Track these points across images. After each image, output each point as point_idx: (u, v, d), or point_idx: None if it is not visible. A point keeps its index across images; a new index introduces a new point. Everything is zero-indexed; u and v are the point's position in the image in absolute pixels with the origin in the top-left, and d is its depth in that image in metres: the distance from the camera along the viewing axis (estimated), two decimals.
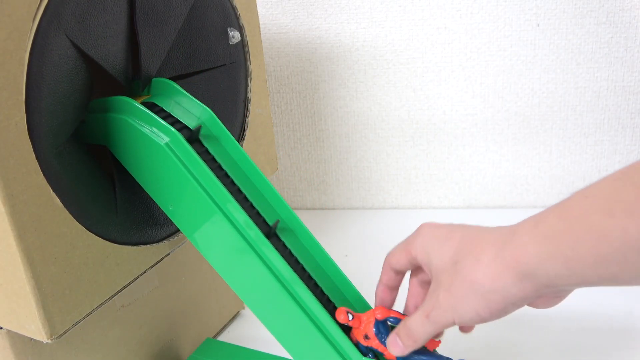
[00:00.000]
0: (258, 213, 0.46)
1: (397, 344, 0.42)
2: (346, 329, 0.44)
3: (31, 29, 0.37)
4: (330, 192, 0.94)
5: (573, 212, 0.35)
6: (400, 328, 0.42)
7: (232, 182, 0.46)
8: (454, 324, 0.40)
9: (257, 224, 0.44)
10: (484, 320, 0.39)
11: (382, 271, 0.46)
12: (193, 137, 0.45)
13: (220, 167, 0.46)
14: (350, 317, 0.42)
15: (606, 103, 0.82)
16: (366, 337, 0.42)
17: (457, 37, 0.82)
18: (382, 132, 0.89)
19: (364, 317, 0.43)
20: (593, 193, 0.35)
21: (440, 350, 0.45)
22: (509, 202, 0.89)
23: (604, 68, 0.80)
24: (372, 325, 0.43)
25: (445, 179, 0.90)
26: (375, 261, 0.78)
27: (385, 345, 0.42)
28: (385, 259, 0.46)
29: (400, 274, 0.46)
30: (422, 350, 0.43)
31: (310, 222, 0.89)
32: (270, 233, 0.45)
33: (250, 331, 0.66)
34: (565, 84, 0.82)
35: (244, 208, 0.44)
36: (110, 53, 0.43)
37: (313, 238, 0.47)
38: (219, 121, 0.47)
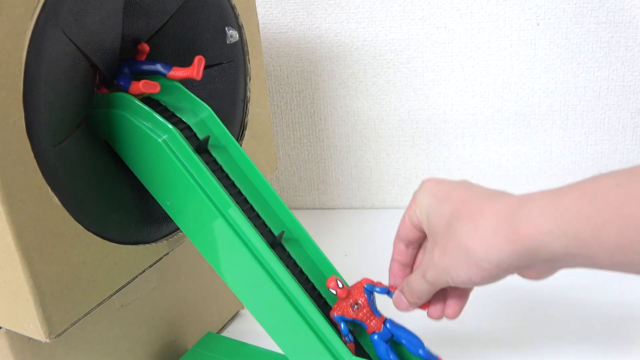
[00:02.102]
0: (264, 223, 0.46)
1: (401, 300, 0.43)
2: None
3: (29, 27, 0.37)
4: (330, 192, 0.94)
5: (603, 198, 0.34)
6: (403, 285, 0.43)
7: (239, 192, 0.46)
8: (448, 284, 0.40)
9: (262, 234, 0.44)
10: (475, 284, 0.40)
11: (393, 247, 0.46)
12: (202, 147, 0.45)
13: (227, 176, 0.46)
14: (340, 284, 0.42)
15: (606, 102, 0.82)
16: (356, 305, 0.42)
17: (457, 37, 0.82)
18: (382, 132, 0.89)
19: (352, 288, 0.43)
20: (625, 182, 0.34)
21: (441, 346, 0.45)
22: None
23: (604, 67, 0.80)
24: (363, 291, 0.43)
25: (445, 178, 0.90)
26: (375, 261, 0.78)
27: (376, 314, 0.42)
28: (397, 233, 0.45)
29: (410, 246, 0.45)
30: (412, 336, 0.43)
31: (310, 222, 0.89)
32: (275, 242, 0.46)
33: (249, 331, 0.66)
34: (565, 84, 0.82)
35: (249, 217, 0.44)
36: (104, 50, 0.43)
37: (318, 249, 0.47)
38: (218, 120, 0.47)
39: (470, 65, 0.83)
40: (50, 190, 0.40)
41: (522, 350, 0.59)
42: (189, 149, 0.43)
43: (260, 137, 0.60)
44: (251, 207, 0.46)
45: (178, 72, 0.45)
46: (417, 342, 0.43)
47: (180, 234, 0.52)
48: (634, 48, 0.78)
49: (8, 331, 0.44)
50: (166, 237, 0.51)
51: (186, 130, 0.46)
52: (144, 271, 0.49)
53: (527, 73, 0.82)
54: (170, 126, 0.43)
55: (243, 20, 0.55)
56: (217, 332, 0.66)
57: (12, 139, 0.37)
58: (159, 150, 0.43)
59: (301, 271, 0.46)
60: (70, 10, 0.40)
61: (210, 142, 0.47)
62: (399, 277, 0.45)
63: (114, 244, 0.45)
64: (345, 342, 0.42)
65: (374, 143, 0.90)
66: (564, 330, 0.62)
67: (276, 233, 0.47)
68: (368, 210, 0.93)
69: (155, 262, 0.50)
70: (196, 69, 0.44)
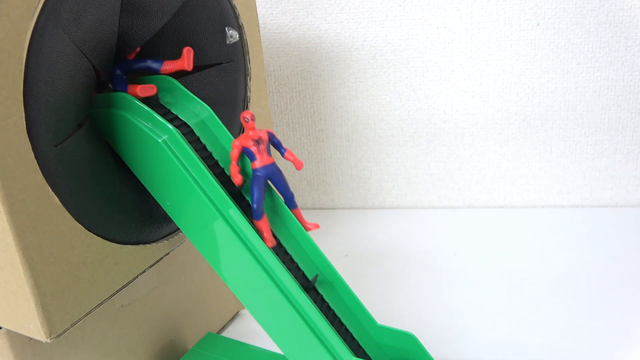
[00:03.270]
0: (249, 204, 0.47)
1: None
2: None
3: (29, 27, 0.37)
4: (330, 192, 0.94)
5: None
6: None
7: (223, 172, 0.47)
8: None
9: (245, 214, 0.44)
10: None
11: None
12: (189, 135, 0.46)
13: (211, 155, 0.47)
14: (250, 118, 0.45)
15: (606, 102, 0.82)
16: (259, 141, 0.45)
17: (457, 37, 0.82)
18: (382, 132, 0.89)
19: (260, 130, 0.46)
20: None
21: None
22: (509, 202, 0.89)
23: (604, 67, 0.80)
24: (267, 134, 0.45)
25: (445, 179, 0.90)
26: (375, 261, 0.78)
27: (268, 154, 0.45)
28: None
29: None
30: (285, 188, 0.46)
31: (310, 221, 0.89)
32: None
33: (249, 331, 0.66)
34: (565, 84, 0.82)
35: (231, 196, 0.44)
36: (100, 48, 0.43)
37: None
38: (218, 120, 0.47)
39: (470, 65, 0.83)
40: (50, 190, 0.40)
41: (523, 349, 0.59)
42: (189, 149, 0.43)
43: None
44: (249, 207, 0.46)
45: (169, 66, 0.46)
46: (286, 185, 0.46)
47: (180, 234, 0.52)
48: (634, 48, 0.78)
49: (8, 331, 0.44)
50: (166, 237, 0.51)
51: (185, 130, 0.46)
52: (144, 271, 0.49)
53: (527, 73, 0.82)
54: (170, 126, 0.43)
55: (243, 20, 0.55)
56: (217, 332, 0.66)
57: (12, 139, 0.37)
58: (159, 150, 0.44)
59: (297, 267, 0.47)
60: (70, 10, 0.40)
61: (210, 142, 0.47)
62: None
63: (114, 244, 0.45)
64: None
65: (374, 143, 0.90)
66: (565, 329, 0.62)
67: (277, 234, 0.47)
68: (368, 210, 0.93)
69: (155, 262, 0.50)
70: (186, 60, 0.45)
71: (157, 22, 0.48)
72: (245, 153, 0.45)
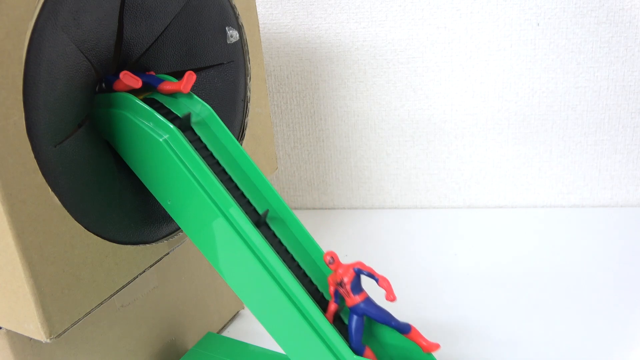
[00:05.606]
0: (248, 202, 0.47)
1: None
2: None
3: (29, 27, 0.37)
4: (330, 192, 0.94)
5: None
6: None
7: (224, 171, 0.46)
8: None
9: (247, 213, 0.45)
10: None
11: None
12: (183, 125, 0.46)
13: (212, 155, 0.46)
14: (332, 260, 0.44)
15: (606, 102, 0.82)
16: (341, 283, 0.44)
17: (457, 37, 0.82)
18: (382, 132, 0.89)
19: (343, 267, 0.45)
20: None
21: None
22: (509, 202, 0.89)
23: (604, 67, 0.80)
24: (349, 271, 0.44)
25: (445, 178, 0.90)
26: (375, 261, 0.78)
27: (355, 292, 0.44)
28: None
29: None
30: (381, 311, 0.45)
31: (310, 222, 0.89)
32: (260, 222, 0.46)
33: (250, 331, 0.66)
34: (565, 84, 0.82)
35: (234, 197, 0.44)
36: (99, 48, 0.44)
37: (302, 227, 0.48)
38: (219, 119, 0.47)
39: (470, 65, 0.83)
40: (50, 190, 0.40)
41: (523, 349, 0.59)
42: (190, 148, 0.43)
43: (260, 137, 0.60)
44: (235, 186, 0.47)
45: (167, 86, 0.47)
46: (387, 317, 0.45)
47: (180, 234, 0.52)
48: (634, 48, 0.78)
49: (8, 331, 0.44)
50: (166, 237, 0.51)
51: (176, 121, 0.46)
52: (144, 271, 0.49)
53: (527, 73, 0.82)
54: (171, 126, 0.43)
55: (243, 20, 0.55)
56: (218, 332, 0.66)
57: (12, 139, 0.37)
58: (160, 150, 0.44)
59: (286, 250, 0.47)
60: (70, 10, 0.40)
61: (192, 119, 0.47)
62: None
63: (114, 244, 0.45)
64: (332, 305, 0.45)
65: (374, 143, 0.90)
66: (565, 329, 0.62)
67: (260, 211, 0.47)
68: (368, 210, 0.93)
69: (155, 262, 0.50)
70: (184, 84, 0.46)
71: (160, 25, 0.48)
72: (335, 294, 0.45)
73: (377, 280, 0.44)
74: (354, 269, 0.45)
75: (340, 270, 0.45)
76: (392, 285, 0.44)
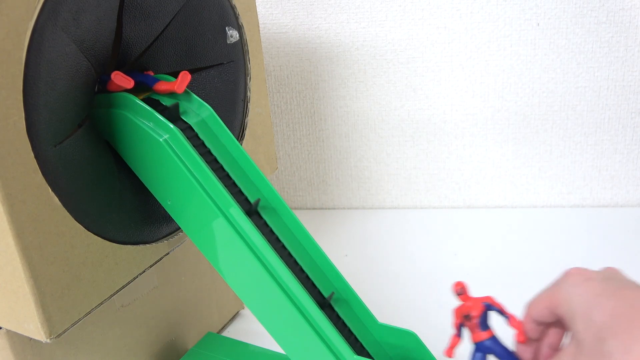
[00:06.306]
0: (240, 191, 0.47)
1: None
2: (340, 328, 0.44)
3: (29, 27, 0.37)
4: (330, 192, 0.94)
5: None
6: None
7: (222, 168, 0.47)
8: None
9: (239, 202, 0.44)
10: None
11: (523, 319, 0.42)
12: (172, 116, 0.46)
13: (209, 152, 0.47)
14: (462, 291, 0.43)
15: (606, 102, 0.82)
16: (468, 317, 0.43)
17: (457, 37, 0.82)
18: (382, 132, 0.89)
19: (472, 300, 0.43)
20: None
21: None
22: (509, 202, 0.89)
23: (604, 67, 0.80)
24: (479, 305, 0.43)
25: (445, 178, 0.90)
26: (375, 261, 0.78)
27: (483, 328, 0.42)
28: (526, 308, 0.41)
29: (543, 324, 0.41)
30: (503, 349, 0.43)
31: (310, 222, 0.89)
32: (251, 211, 0.46)
33: (249, 331, 0.66)
34: (565, 84, 0.82)
35: (230, 191, 0.44)
36: (97, 48, 0.44)
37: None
38: (219, 119, 0.47)
39: (470, 65, 0.83)
40: (50, 190, 0.40)
41: None
42: (190, 148, 0.43)
43: (260, 137, 0.60)
44: (227, 175, 0.47)
45: (161, 86, 0.47)
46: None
47: (180, 233, 0.52)
48: (634, 48, 0.78)
49: (8, 331, 0.44)
50: (166, 237, 0.51)
51: (188, 131, 0.46)
52: (144, 271, 0.49)
53: (527, 73, 0.82)
54: (171, 126, 0.43)
55: (243, 20, 0.55)
56: (217, 332, 0.66)
57: (12, 139, 0.37)
58: (161, 149, 0.44)
59: (277, 239, 0.47)
60: (70, 10, 0.40)
61: (210, 141, 0.47)
62: (524, 351, 0.43)
63: (114, 244, 0.45)
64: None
65: (374, 143, 0.90)
66: None
67: (252, 201, 0.47)
68: (368, 210, 0.93)
69: (155, 262, 0.50)
70: (178, 83, 0.46)
71: (159, 24, 0.48)
72: (459, 327, 0.43)
73: (507, 319, 0.42)
74: (483, 304, 0.43)
75: (469, 303, 0.43)
76: (522, 326, 0.41)
